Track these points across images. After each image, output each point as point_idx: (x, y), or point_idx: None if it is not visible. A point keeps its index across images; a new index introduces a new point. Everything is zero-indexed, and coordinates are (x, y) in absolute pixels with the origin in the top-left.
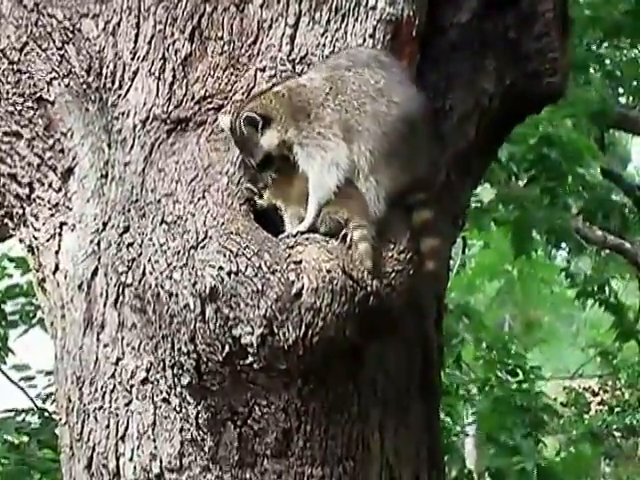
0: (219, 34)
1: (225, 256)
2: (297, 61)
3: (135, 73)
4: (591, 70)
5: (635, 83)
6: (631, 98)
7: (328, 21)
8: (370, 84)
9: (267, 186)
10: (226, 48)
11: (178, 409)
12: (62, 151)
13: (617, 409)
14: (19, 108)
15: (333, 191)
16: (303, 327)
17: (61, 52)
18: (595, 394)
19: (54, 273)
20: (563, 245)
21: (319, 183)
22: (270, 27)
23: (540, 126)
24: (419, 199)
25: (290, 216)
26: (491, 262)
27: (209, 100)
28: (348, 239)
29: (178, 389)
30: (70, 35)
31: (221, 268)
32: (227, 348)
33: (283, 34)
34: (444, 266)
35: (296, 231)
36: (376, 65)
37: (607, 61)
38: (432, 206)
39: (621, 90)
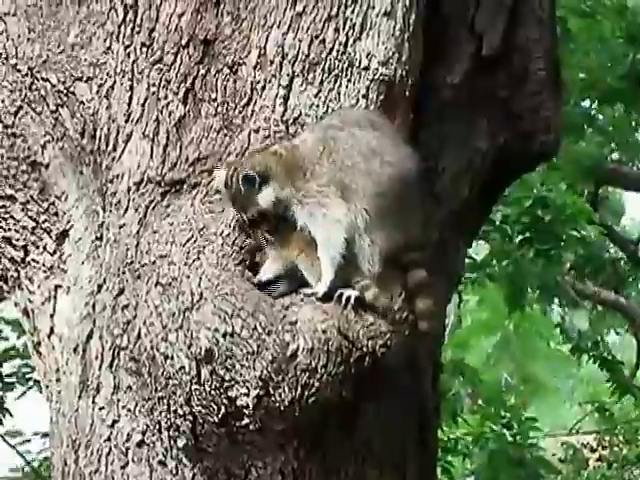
0: (213, 96)
1: (220, 317)
2: (291, 122)
3: (129, 136)
4: (583, 126)
5: (626, 140)
6: (623, 155)
7: (321, 82)
8: (363, 143)
9: (262, 248)
10: (220, 109)
11: (174, 472)
12: (57, 214)
13: (615, 465)
14: (13, 172)
15: (343, 246)
16: (299, 388)
17: (55, 115)
18: (593, 450)
19: (49, 336)
20: (557, 300)
21: (328, 240)
22: (263, 88)
23: (534, 189)
24: (413, 259)
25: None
26: (486, 318)
27: (203, 162)
28: (343, 299)
29: (174, 451)
30: (64, 98)
31: (216, 330)
32: (223, 409)
33: (276, 95)
34: (439, 325)
35: (315, 291)
36: (368, 125)
37: (600, 116)
38: (426, 266)
39: (612, 145)
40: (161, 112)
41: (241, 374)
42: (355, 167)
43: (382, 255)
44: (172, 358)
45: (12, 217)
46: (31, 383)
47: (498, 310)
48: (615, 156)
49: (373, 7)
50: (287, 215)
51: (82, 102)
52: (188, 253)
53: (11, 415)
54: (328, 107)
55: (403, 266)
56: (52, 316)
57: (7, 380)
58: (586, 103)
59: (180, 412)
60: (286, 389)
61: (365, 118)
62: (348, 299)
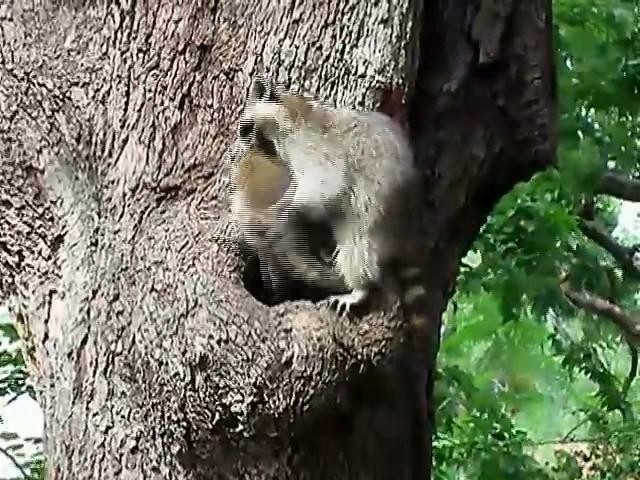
0: (209, 102)
1: (215, 324)
2: None
3: (125, 141)
4: (579, 135)
5: (623, 148)
6: (620, 163)
7: (317, 89)
8: (390, 142)
9: (234, 158)
10: (216, 116)
11: (168, 478)
12: (52, 219)
13: (609, 474)
14: (9, 177)
15: (321, 206)
16: (293, 395)
17: (51, 120)
18: (586, 459)
19: (43, 342)
20: (551, 309)
21: (310, 191)
22: None
23: (519, 198)
24: (411, 275)
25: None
26: (479, 324)
27: (199, 168)
28: (339, 306)
29: (168, 458)
30: (60, 103)
31: (211, 336)
32: (217, 416)
33: None
34: (435, 332)
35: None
36: (392, 129)
37: (596, 126)
38: (424, 283)
39: (609, 154)
40: (157, 118)
41: (235, 381)
42: (379, 159)
43: (380, 261)
44: (167, 364)
45: (7, 222)
46: (23, 389)
47: (490, 316)
48: (611, 164)
49: (370, 14)
50: (273, 144)
51: (78, 107)
52: (183, 259)
53: (1, 420)
54: None
55: (401, 282)
56: (47, 321)
57: None
58: (581, 110)
59: (174, 418)
60: (280, 396)
61: (389, 122)
62: (343, 306)
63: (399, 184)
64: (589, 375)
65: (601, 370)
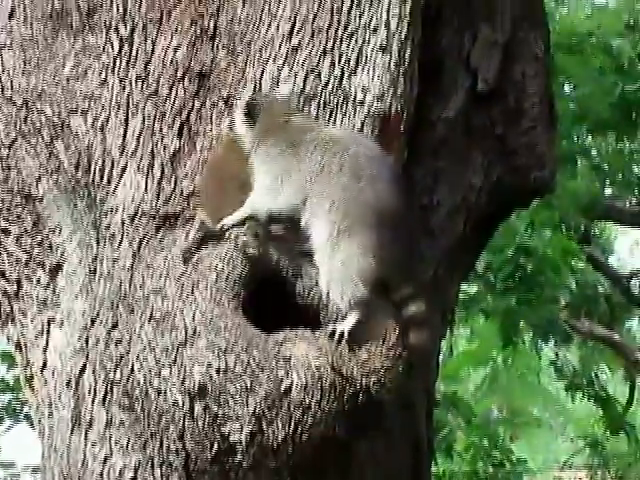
0: (208, 129)
1: (214, 353)
2: None
3: (124, 169)
4: (578, 162)
5: (621, 175)
6: (618, 189)
7: (316, 116)
8: (359, 164)
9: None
10: (215, 144)
11: None
12: (50, 247)
13: None
14: (7, 205)
15: (264, 212)
16: (292, 424)
17: (50, 148)
18: None
19: (42, 370)
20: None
21: (256, 200)
22: None
23: (517, 235)
24: (405, 295)
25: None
26: (476, 350)
27: (198, 196)
28: (337, 335)
29: None
30: (59, 131)
31: (210, 365)
32: (216, 446)
33: None
34: (434, 359)
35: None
36: (374, 154)
37: (593, 152)
38: (422, 298)
39: (607, 181)
40: (156, 145)
41: (234, 410)
42: (338, 177)
43: (367, 284)
44: (165, 393)
45: (6, 250)
46: (21, 417)
47: (487, 342)
48: (608, 191)
49: (368, 42)
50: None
51: (77, 135)
52: (182, 287)
53: None
54: None
55: (397, 302)
56: (45, 350)
57: None
58: (579, 135)
59: (173, 448)
60: (279, 425)
61: (372, 145)
62: (342, 335)
63: (364, 202)
64: (592, 400)
65: (603, 394)
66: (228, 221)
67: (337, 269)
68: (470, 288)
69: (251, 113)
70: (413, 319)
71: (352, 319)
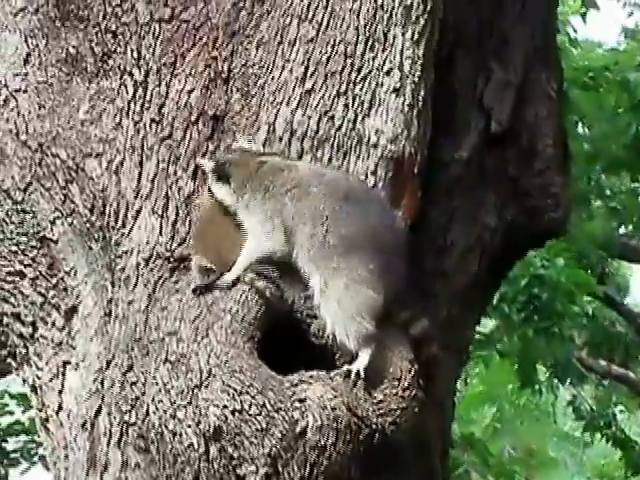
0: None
1: (229, 394)
2: None
3: (138, 212)
4: (592, 201)
5: (635, 218)
6: (630, 227)
7: (330, 158)
8: (331, 194)
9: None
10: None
11: None
12: (65, 290)
13: None
14: (22, 247)
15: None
16: (308, 466)
17: (65, 191)
18: None
19: (57, 413)
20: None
21: (250, 247)
22: None
23: (532, 266)
24: (406, 318)
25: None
26: (488, 390)
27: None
28: (353, 375)
29: None
30: (74, 174)
31: (225, 407)
32: None
33: None
34: (449, 399)
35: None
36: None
37: (607, 192)
38: (424, 317)
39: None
40: (170, 188)
41: (250, 452)
42: (317, 211)
43: (374, 316)
44: (181, 435)
45: (21, 293)
46: (36, 459)
47: (497, 382)
48: (622, 229)
49: (382, 84)
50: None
51: (91, 178)
52: (197, 330)
53: None
54: None
55: (400, 325)
56: (61, 392)
57: (12, 455)
58: (593, 175)
59: None
60: (295, 467)
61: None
62: (358, 375)
63: (346, 236)
64: (610, 442)
65: (622, 435)
66: (228, 277)
67: (335, 310)
68: (485, 323)
69: (221, 174)
70: (421, 335)
71: (365, 357)
